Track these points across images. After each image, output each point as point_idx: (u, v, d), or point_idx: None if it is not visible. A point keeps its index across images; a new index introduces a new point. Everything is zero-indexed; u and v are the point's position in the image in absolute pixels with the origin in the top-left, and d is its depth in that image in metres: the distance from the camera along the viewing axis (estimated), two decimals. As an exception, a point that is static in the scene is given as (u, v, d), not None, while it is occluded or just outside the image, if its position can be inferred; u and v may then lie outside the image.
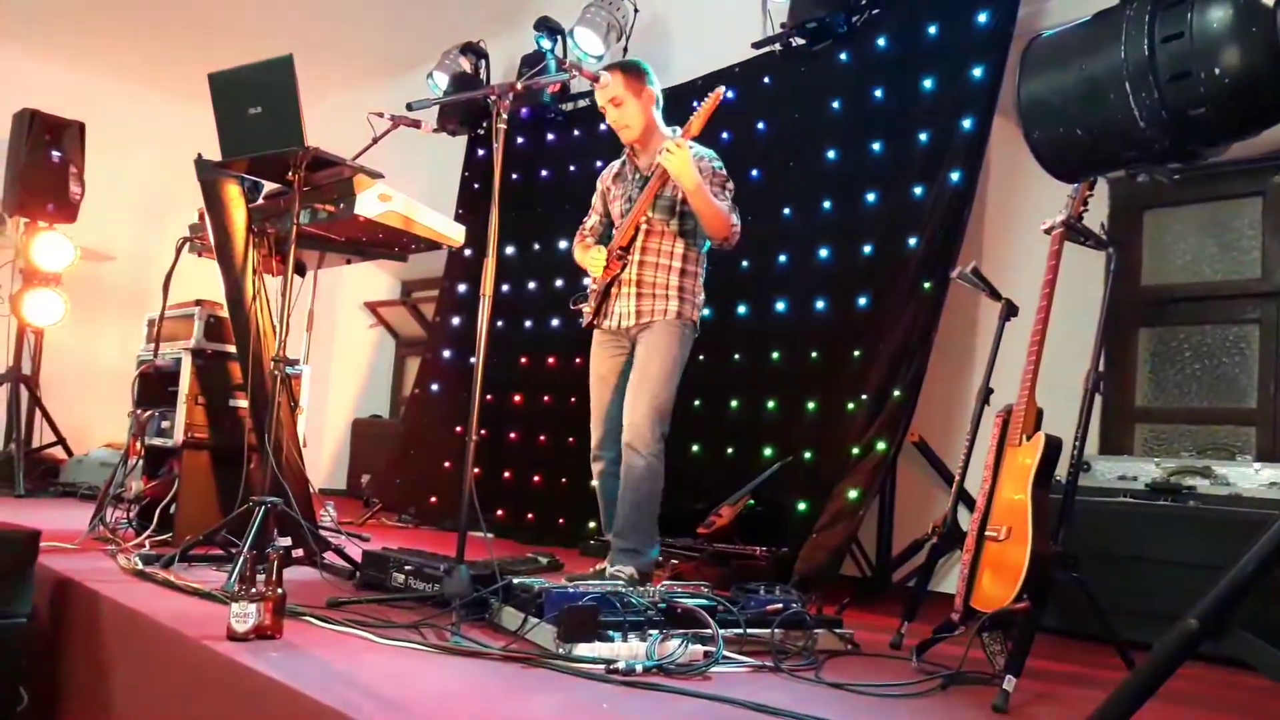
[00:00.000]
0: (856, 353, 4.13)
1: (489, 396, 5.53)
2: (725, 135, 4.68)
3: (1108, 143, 1.61)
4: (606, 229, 3.76)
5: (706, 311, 3.68)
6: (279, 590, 2.29)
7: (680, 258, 3.56)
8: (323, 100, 6.12)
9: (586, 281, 3.75)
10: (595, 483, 3.71)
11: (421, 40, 6.81)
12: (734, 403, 4.66)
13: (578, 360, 5.29)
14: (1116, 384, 3.96)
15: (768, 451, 4.36)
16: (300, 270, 3.68)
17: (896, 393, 3.78)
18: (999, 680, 2.19)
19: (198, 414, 3.82)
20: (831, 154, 4.57)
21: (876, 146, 4.38)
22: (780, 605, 2.68)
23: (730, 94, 4.95)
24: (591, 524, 4.63)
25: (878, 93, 4.44)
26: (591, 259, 3.64)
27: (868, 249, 4.27)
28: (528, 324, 5.87)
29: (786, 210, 4.68)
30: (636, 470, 3.44)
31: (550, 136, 6.16)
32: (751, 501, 4.00)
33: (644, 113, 3.60)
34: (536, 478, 5.47)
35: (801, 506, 4.03)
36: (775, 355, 4.57)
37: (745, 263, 4.55)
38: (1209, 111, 1.46)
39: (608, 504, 3.66)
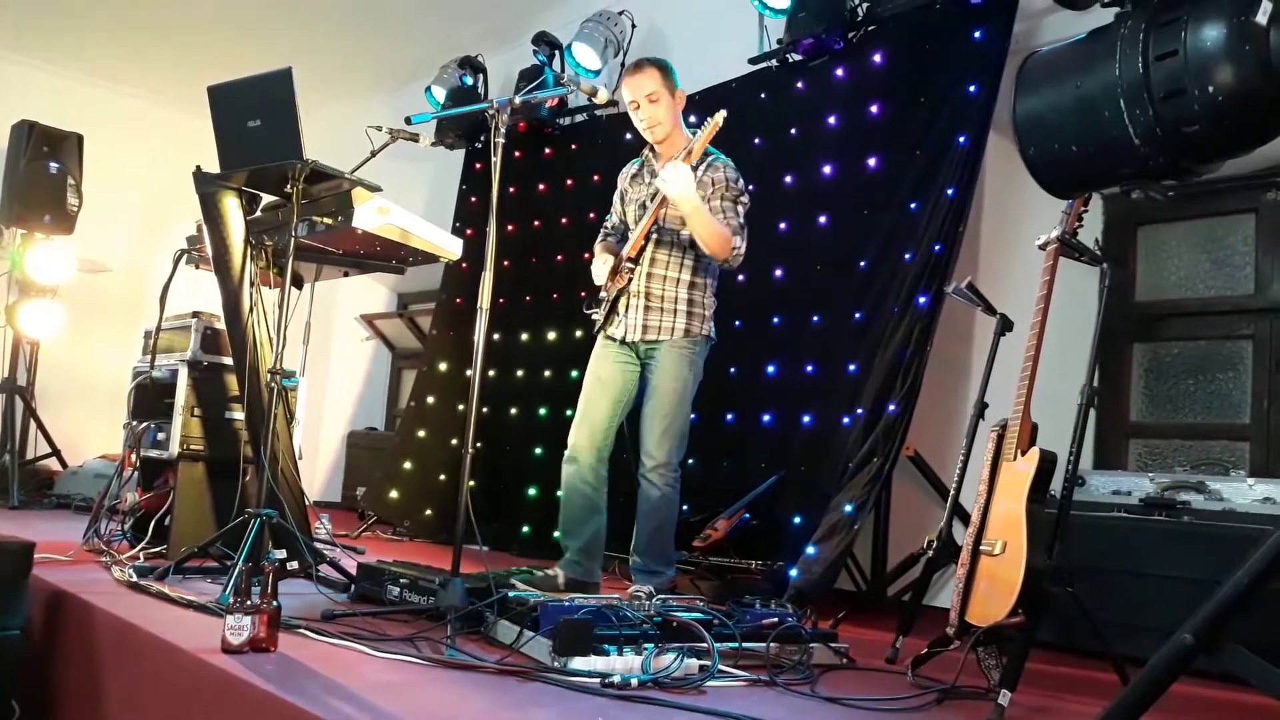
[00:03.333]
0: (852, 367, 4.14)
1: (485, 409, 5.53)
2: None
3: (1102, 159, 1.62)
4: (627, 228, 3.72)
5: (705, 326, 3.67)
6: (274, 603, 2.29)
7: (690, 269, 3.55)
8: (321, 113, 6.12)
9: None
10: (562, 487, 3.59)
11: (420, 54, 6.85)
12: (730, 416, 4.67)
13: (574, 373, 5.30)
14: (1111, 399, 3.97)
15: (763, 465, 4.36)
16: (297, 283, 3.69)
17: (892, 407, 3.78)
18: (994, 694, 2.19)
19: (193, 426, 3.82)
20: (827, 169, 4.59)
21: (872, 162, 4.40)
22: (775, 619, 2.68)
23: (726, 110, 5.02)
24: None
25: (874, 108, 4.46)
26: (596, 269, 3.64)
27: (863, 264, 4.29)
28: (524, 337, 5.88)
29: (783, 225, 4.69)
30: (653, 500, 3.44)
31: (547, 150, 6.17)
32: (747, 515, 4.00)
33: (674, 112, 3.55)
34: (532, 490, 5.47)
35: (797, 520, 4.03)
36: (771, 369, 4.58)
37: (741, 277, 4.55)
38: (1202, 129, 1.47)
39: (570, 508, 3.55)
